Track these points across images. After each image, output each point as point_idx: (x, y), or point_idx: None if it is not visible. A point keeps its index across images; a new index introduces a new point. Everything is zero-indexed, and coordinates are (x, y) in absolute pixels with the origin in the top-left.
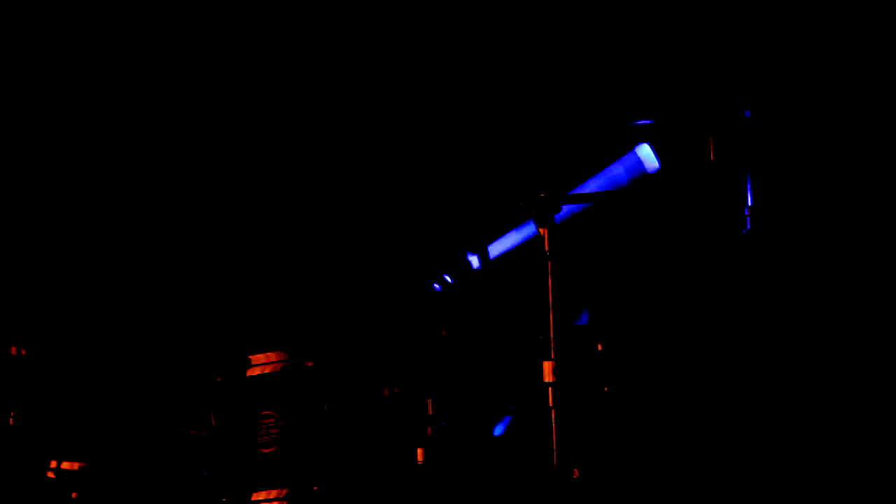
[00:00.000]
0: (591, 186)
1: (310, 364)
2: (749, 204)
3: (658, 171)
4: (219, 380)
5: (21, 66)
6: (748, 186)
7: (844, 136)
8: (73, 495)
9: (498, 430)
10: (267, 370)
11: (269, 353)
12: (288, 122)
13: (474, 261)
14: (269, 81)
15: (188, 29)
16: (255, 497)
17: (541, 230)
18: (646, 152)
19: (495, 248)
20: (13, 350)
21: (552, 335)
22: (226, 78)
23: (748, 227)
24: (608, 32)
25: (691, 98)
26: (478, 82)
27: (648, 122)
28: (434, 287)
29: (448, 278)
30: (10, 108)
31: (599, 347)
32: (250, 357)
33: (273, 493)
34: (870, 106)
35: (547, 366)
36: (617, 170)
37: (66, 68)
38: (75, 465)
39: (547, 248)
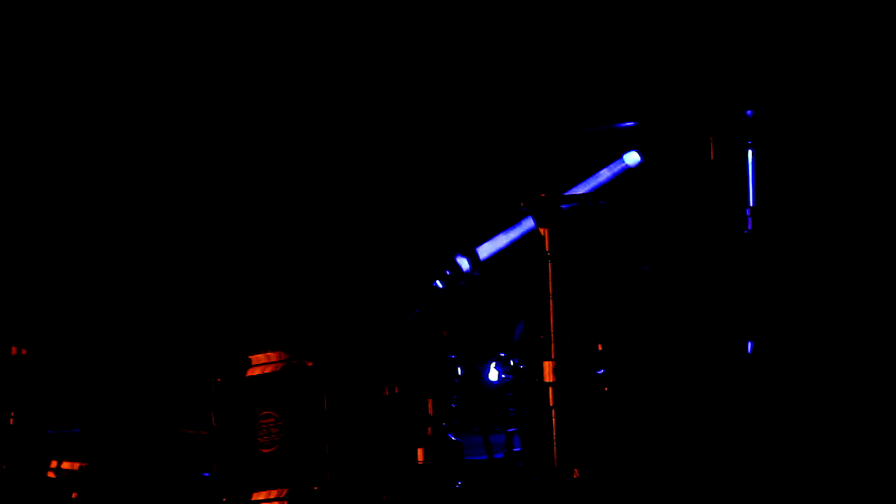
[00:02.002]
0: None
1: (310, 364)
2: (750, 204)
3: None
4: (219, 380)
5: (21, 66)
6: (748, 186)
7: (845, 135)
8: (73, 495)
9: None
10: (267, 370)
11: (269, 353)
12: (288, 122)
13: (464, 263)
14: (269, 82)
15: (188, 29)
16: (255, 497)
17: (541, 230)
18: (633, 159)
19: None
20: (13, 350)
21: (552, 335)
22: (226, 78)
23: (749, 227)
24: (608, 32)
25: (692, 98)
26: (476, 80)
27: (632, 124)
28: (435, 285)
29: (439, 284)
30: (10, 108)
31: (599, 347)
32: (250, 357)
33: (273, 493)
34: (871, 106)
35: (547, 366)
36: (604, 174)
37: (66, 68)
38: (75, 465)
39: (547, 247)
